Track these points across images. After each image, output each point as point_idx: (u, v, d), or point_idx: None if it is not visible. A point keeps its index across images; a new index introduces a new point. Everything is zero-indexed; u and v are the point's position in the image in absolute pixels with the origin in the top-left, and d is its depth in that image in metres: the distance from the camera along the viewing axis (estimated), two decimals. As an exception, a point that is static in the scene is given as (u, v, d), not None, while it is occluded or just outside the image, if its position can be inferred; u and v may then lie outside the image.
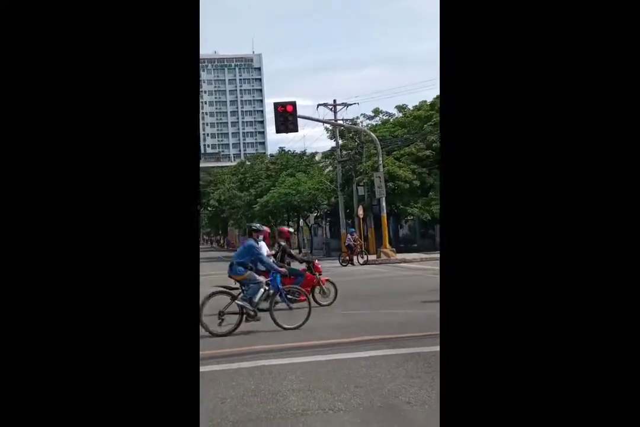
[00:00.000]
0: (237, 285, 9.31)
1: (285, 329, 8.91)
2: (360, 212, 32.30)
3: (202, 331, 8.61)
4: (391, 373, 5.94)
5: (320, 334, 8.51)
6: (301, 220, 45.21)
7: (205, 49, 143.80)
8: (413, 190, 31.73)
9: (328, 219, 44.29)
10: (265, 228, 10.30)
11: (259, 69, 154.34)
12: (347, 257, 27.81)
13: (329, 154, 41.29)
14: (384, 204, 28.22)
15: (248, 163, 53.67)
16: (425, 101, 34.78)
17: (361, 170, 33.21)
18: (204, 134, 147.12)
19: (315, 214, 45.16)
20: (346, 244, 28.48)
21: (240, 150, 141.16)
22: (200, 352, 7.10)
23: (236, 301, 8.99)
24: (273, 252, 12.02)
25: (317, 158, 46.34)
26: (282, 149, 48.52)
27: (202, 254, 52.83)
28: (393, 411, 4.75)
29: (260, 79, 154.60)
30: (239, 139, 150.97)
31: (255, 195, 43.45)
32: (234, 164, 69.55)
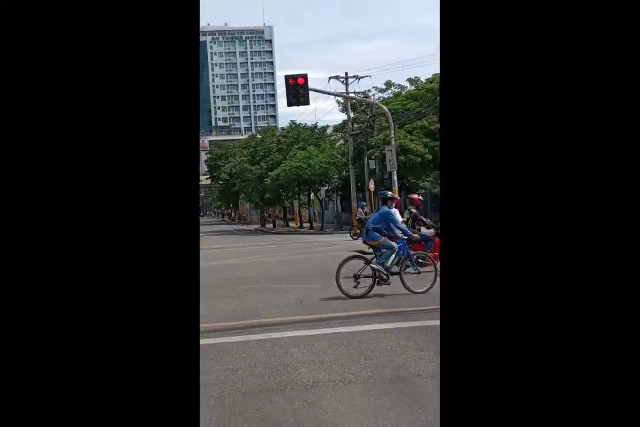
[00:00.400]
0: (371, 250, 9.71)
1: (414, 293, 9.14)
2: (372, 185, 32.21)
3: (337, 293, 9.06)
4: (401, 346, 5.96)
5: (330, 306, 8.55)
6: (312, 193, 45.11)
7: (216, 21, 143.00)
8: (425, 164, 31.53)
9: (339, 192, 44.22)
10: (397, 196, 10.78)
11: (270, 41, 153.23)
12: (358, 231, 27.82)
13: (340, 127, 41.02)
14: (395, 177, 28.11)
15: (259, 136, 53.48)
16: (437, 74, 34.44)
17: (373, 143, 33.04)
18: (214, 107, 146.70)
19: (326, 188, 45.04)
20: (357, 217, 28.50)
21: (251, 124, 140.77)
22: (212, 324, 7.17)
23: (370, 265, 9.39)
24: (405, 218, 12.22)
25: (328, 131, 46.11)
26: (293, 122, 48.27)
27: (213, 228, 53.27)
28: (403, 383, 4.78)
29: (271, 52, 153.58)
30: (250, 112, 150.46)
31: (267, 169, 43.35)
32: (245, 137, 69.38)
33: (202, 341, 6.66)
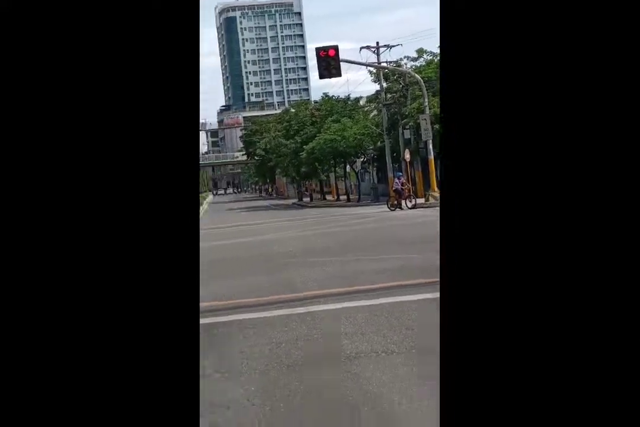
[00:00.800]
0: None
1: None
2: (407, 155, 32.02)
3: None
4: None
5: (369, 278, 8.57)
6: (348, 166, 44.99)
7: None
8: (460, 131, 31.18)
9: (375, 164, 44.04)
10: None
11: (299, 13, 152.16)
12: (396, 202, 27.76)
13: (373, 98, 40.71)
14: (430, 146, 27.90)
15: (292, 110, 53.37)
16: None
17: (407, 113, 32.75)
18: (247, 83, 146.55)
19: (361, 160, 44.88)
20: (394, 188, 28.39)
21: (284, 98, 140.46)
22: (254, 299, 7.25)
23: None
24: None
25: (361, 102, 45.81)
26: (326, 95, 48.01)
27: (251, 203, 53.73)
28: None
29: (301, 24, 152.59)
30: (282, 87, 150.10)
31: (301, 143, 43.30)
32: (278, 111, 69.31)
33: (243, 316, 6.79)
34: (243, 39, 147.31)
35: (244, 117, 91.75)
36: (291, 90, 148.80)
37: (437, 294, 6.49)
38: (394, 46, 35.87)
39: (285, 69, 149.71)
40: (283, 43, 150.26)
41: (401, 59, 36.29)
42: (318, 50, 24.06)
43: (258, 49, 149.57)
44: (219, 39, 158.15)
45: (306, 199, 51.48)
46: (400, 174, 30.49)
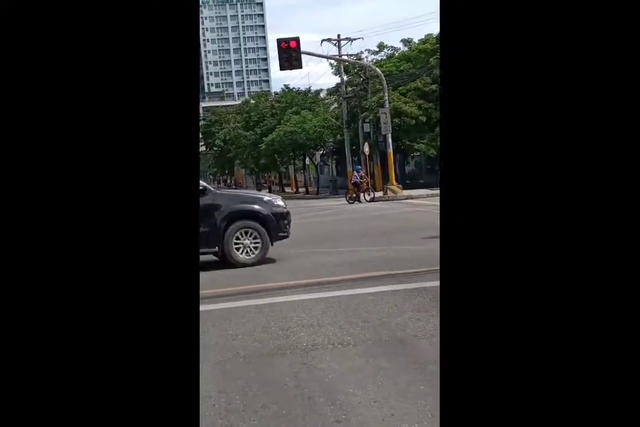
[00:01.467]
0: None
1: None
2: (367, 149, 32.15)
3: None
4: (398, 308, 6.02)
5: (328, 271, 8.61)
6: (307, 158, 44.98)
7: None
8: (419, 125, 31.40)
9: (334, 156, 44.11)
10: None
11: (261, 4, 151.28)
12: (354, 195, 27.86)
13: (334, 91, 40.73)
14: (390, 140, 28.05)
15: (252, 102, 53.12)
16: (431, 34, 33.90)
17: (367, 106, 32.85)
18: (207, 73, 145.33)
19: (321, 152, 44.94)
20: (353, 181, 28.49)
21: (244, 89, 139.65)
22: (211, 290, 7.23)
23: None
24: None
25: (322, 95, 45.82)
26: (286, 87, 47.93)
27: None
28: (401, 344, 4.84)
29: (262, 15, 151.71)
30: (243, 77, 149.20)
31: (261, 134, 43.15)
32: (238, 102, 68.90)
33: (201, 307, 6.73)
34: (203, 28, 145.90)
35: (203, 108, 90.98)
36: (251, 81, 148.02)
37: (393, 286, 6.60)
38: (355, 39, 35.95)
39: (246, 59, 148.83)
40: (244, 33, 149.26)
41: (362, 52, 36.41)
42: (279, 41, 23.95)
43: (219, 39, 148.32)
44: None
45: (265, 191, 51.37)
46: (359, 167, 30.58)
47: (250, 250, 9.87)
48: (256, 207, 10.16)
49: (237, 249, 9.84)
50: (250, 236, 9.88)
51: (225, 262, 9.92)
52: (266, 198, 10.69)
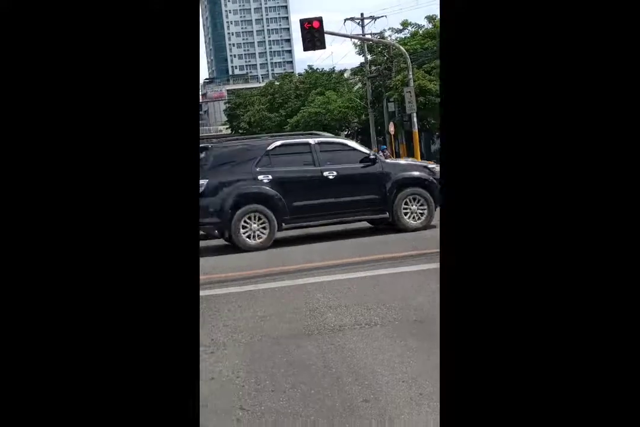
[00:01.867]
0: None
1: None
2: (392, 128, 31.96)
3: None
4: (423, 288, 6.02)
5: (349, 251, 8.63)
6: (333, 139, 44.85)
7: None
8: (445, 104, 31.09)
9: (359, 136, 43.94)
10: None
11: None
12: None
13: (358, 71, 40.47)
14: (415, 119, 27.79)
15: (277, 83, 53.04)
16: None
17: (391, 85, 32.63)
18: (231, 56, 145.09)
19: (346, 133, 44.79)
20: (379, 161, 28.34)
21: (268, 71, 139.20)
22: (237, 273, 7.29)
23: None
24: None
25: (346, 75, 45.55)
26: (310, 68, 47.75)
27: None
28: (428, 324, 4.85)
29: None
30: (267, 59, 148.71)
31: (286, 116, 43.14)
32: (262, 84, 68.77)
33: (227, 290, 6.83)
34: (226, 11, 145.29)
35: (227, 90, 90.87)
36: (275, 62, 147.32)
37: (416, 267, 6.55)
38: (378, 18, 35.63)
39: (269, 41, 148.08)
40: (267, 15, 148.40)
41: (385, 31, 36.08)
42: (302, 22, 23.75)
43: (242, 21, 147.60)
44: (202, 11, 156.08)
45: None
46: (385, 147, 30.52)
47: (417, 215, 10.30)
48: (422, 174, 10.50)
49: (405, 214, 10.21)
50: (417, 202, 10.31)
51: (395, 225, 10.35)
52: (430, 165, 11.05)
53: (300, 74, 54.50)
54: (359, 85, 41.32)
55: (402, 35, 35.94)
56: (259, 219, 9.62)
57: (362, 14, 35.49)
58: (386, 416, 3.29)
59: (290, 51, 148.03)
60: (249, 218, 9.59)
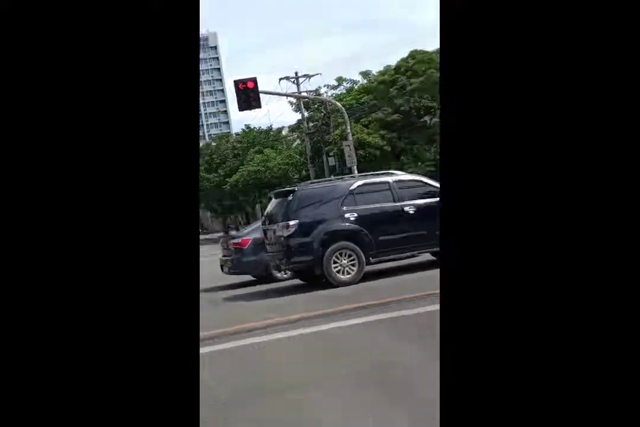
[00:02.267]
0: None
1: None
2: (333, 183, 32.03)
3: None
4: (380, 338, 5.73)
5: (307, 307, 8.24)
6: (273, 196, 44.87)
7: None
8: (384, 155, 31.46)
9: (301, 193, 44.00)
10: None
11: (216, 47, 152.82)
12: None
13: (295, 127, 40.85)
14: (356, 172, 27.96)
15: (214, 144, 53.13)
16: (389, 66, 34.09)
17: (330, 140, 32.93)
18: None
19: (287, 189, 44.88)
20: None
21: (204, 132, 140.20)
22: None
23: None
24: None
25: (283, 133, 45.94)
26: (247, 127, 47.95)
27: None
28: (388, 374, 4.50)
29: (217, 58, 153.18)
30: (202, 121, 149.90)
31: (224, 175, 43.05)
32: (199, 146, 69.02)
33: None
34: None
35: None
36: (211, 123, 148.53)
37: (366, 318, 6.28)
38: (313, 75, 36.14)
39: (204, 103, 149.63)
40: (201, 77, 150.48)
41: (320, 88, 36.54)
42: (237, 82, 23.81)
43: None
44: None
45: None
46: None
47: None
48: None
49: None
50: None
51: None
52: None
53: (237, 134, 54.73)
54: (298, 141, 41.61)
55: (337, 91, 36.47)
56: (349, 256, 9.74)
57: (296, 73, 35.97)
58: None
59: (225, 112, 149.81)
60: (340, 254, 9.75)
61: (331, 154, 33.19)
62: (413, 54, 31.69)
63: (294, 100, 36.43)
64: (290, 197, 10.02)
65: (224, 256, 12.96)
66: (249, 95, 23.69)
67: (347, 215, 10.01)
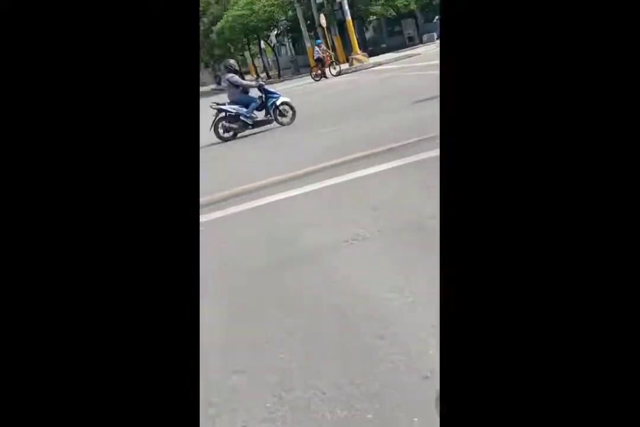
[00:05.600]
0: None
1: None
2: (323, 21, 30.76)
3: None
4: (403, 187, 5.50)
5: (321, 154, 8.01)
6: (262, 41, 43.25)
7: None
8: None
9: (290, 35, 42.48)
10: None
11: None
12: (319, 71, 26.99)
13: (277, -37, 38.50)
14: (346, 7, 26.75)
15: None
16: None
17: (314, -26, 31.11)
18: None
19: (275, 33, 43.18)
20: (315, 57, 27.53)
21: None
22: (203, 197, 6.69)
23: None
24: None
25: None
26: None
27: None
28: (418, 229, 4.34)
29: None
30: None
31: (209, 24, 41.30)
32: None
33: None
34: None
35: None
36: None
37: (387, 165, 6.04)
38: None
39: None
40: None
41: None
42: None
43: None
44: None
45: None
46: (320, 41, 29.45)
47: None
48: None
49: None
50: None
51: None
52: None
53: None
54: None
55: None
56: None
57: None
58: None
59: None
60: None
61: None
62: None
63: None
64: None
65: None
66: None
67: None
